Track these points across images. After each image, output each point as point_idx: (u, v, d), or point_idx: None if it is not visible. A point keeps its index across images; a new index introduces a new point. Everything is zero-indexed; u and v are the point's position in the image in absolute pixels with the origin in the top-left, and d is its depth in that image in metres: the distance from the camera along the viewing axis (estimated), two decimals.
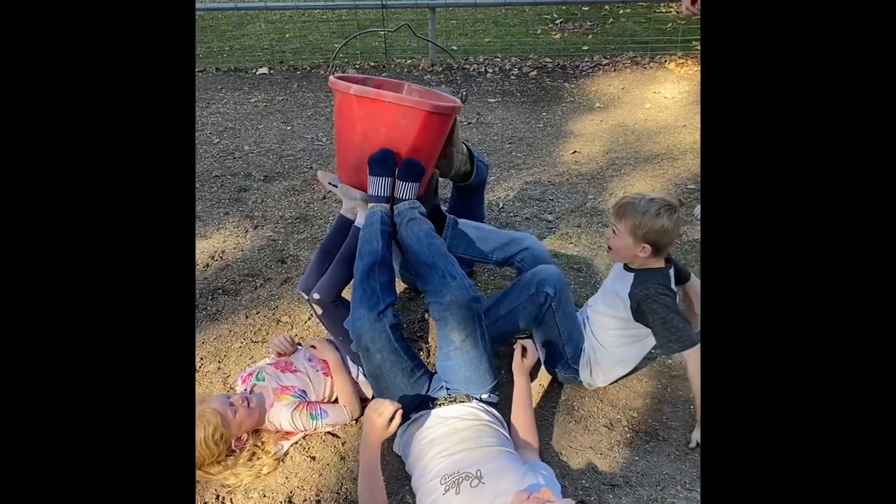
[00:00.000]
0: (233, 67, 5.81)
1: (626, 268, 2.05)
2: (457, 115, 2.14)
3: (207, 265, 3.00)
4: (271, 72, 5.71)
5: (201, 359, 2.41)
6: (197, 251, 3.10)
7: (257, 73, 5.69)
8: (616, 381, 2.23)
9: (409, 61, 5.83)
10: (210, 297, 2.76)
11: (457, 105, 2.10)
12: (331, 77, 2.07)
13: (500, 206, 3.40)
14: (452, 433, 1.80)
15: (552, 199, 3.46)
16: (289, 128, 4.59)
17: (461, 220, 2.32)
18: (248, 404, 1.96)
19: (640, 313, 1.97)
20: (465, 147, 2.36)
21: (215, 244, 3.16)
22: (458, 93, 2.37)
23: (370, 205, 2.06)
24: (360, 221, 2.13)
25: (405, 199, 2.06)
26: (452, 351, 1.91)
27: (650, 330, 1.98)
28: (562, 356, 2.12)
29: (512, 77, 5.46)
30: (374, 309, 1.86)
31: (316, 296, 2.11)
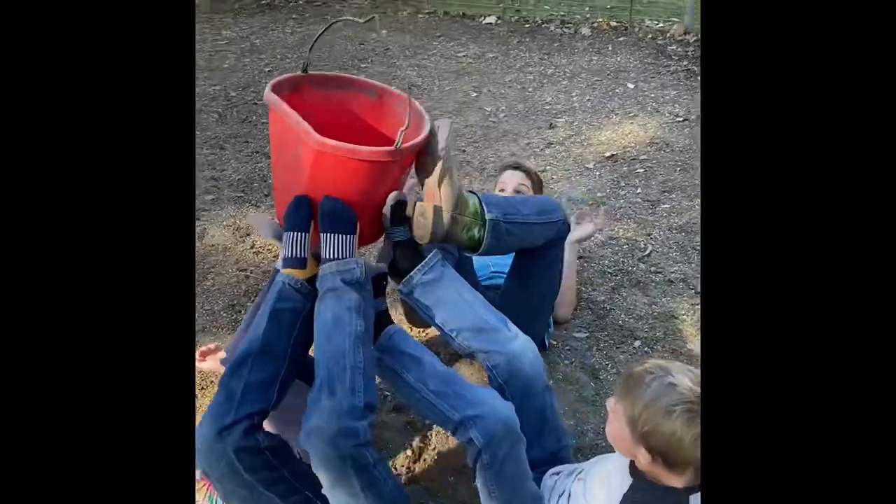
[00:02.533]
0: (461, 13, 5.36)
1: (633, 464, 1.27)
2: (389, 160, 1.46)
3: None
4: (498, 22, 5.14)
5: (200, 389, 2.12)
6: None
7: (483, 21, 5.17)
8: None
9: (658, 25, 4.83)
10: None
11: (382, 151, 1.43)
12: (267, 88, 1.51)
13: (647, 251, 2.54)
14: None
15: None
16: (475, 94, 4.05)
17: (448, 272, 1.60)
18: None
19: None
20: (473, 200, 1.62)
21: None
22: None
23: (282, 270, 1.52)
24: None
25: (333, 259, 1.48)
26: (327, 491, 1.33)
27: None
28: None
29: None
30: (219, 421, 1.32)
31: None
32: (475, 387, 1.46)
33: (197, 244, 2.74)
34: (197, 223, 2.85)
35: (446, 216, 1.53)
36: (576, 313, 2.24)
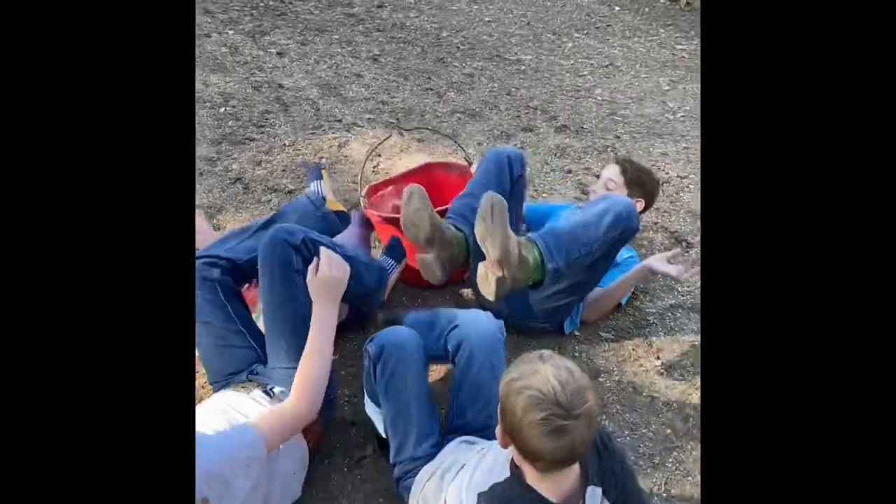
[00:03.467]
0: None
1: (514, 460, 1.31)
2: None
3: None
4: None
5: None
6: None
7: None
8: None
9: None
10: None
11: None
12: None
13: None
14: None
15: None
16: (667, 88, 3.90)
17: None
18: None
19: None
20: (534, 254, 1.76)
21: None
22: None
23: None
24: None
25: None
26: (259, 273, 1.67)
27: None
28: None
29: None
30: (220, 247, 1.80)
31: None
32: None
33: (336, 151, 3.08)
34: (344, 135, 3.20)
35: (509, 280, 1.70)
36: (616, 314, 2.20)
